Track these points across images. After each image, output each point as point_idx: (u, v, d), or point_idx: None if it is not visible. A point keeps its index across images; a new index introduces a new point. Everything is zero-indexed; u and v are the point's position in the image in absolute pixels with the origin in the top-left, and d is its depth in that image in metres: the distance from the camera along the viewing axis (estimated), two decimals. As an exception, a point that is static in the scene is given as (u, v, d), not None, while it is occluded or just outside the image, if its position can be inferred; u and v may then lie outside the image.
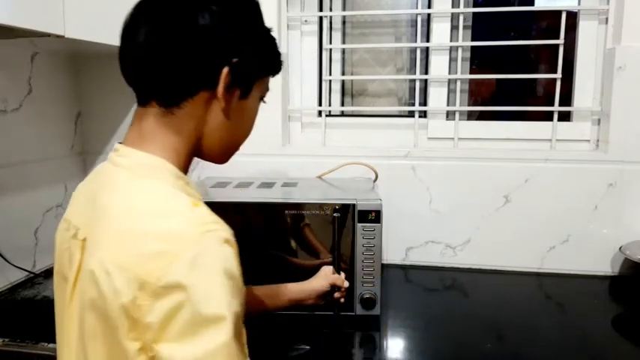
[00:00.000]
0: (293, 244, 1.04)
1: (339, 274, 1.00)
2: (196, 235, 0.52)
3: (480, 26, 1.43)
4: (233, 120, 0.65)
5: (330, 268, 0.99)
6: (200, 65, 0.59)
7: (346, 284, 0.99)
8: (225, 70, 0.60)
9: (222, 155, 0.70)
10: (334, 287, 0.97)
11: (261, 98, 0.70)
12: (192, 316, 0.49)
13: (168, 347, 0.49)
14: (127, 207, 0.56)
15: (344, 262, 1.02)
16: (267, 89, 0.71)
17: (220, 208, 1.01)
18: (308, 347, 0.95)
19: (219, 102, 0.62)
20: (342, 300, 0.99)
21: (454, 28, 1.42)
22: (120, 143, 0.63)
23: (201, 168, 1.41)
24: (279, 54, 0.70)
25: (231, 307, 0.50)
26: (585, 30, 1.34)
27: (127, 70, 0.62)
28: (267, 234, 1.04)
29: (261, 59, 0.66)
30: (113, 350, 0.53)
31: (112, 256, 0.52)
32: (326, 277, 0.97)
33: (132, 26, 0.60)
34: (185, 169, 0.64)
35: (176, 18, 0.58)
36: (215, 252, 0.52)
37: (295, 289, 0.95)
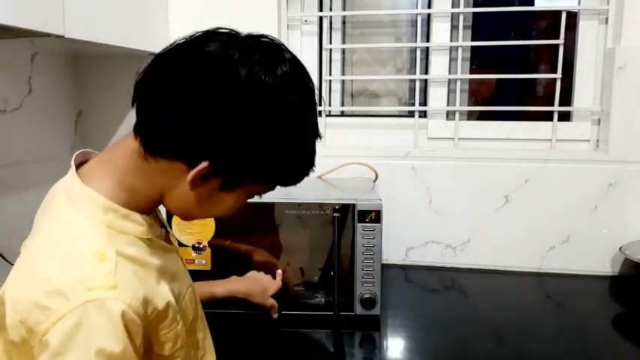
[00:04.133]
0: (292, 244, 1.04)
1: (337, 279, 1.00)
2: (80, 301, 0.49)
3: (480, 26, 1.43)
4: (203, 201, 0.59)
5: (270, 292, 0.98)
6: (184, 141, 0.55)
7: (275, 316, 0.98)
8: (204, 164, 0.54)
9: (180, 217, 0.65)
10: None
11: (253, 195, 0.63)
12: None
13: None
14: (40, 241, 0.56)
15: (344, 262, 1.02)
16: (268, 190, 0.63)
17: (220, 208, 1.02)
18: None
19: (190, 182, 0.56)
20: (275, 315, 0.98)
21: (454, 28, 1.41)
22: (83, 151, 0.62)
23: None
24: (304, 169, 0.60)
25: None
26: (585, 30, 1.34)
27: (135, 98, 0.58)
28: (266, 234, 1.04)
29: (268, 171, 0.58)
30: None
31: (11, 290, 0.53)
32: (263, 294, 0.97)
33: (158, 65, 0.56)
34: (141, 208, 0.60)
35: (194, 85, 0.53)
36: (93, 328, 0.49)
37: (232, 290, 0.95)
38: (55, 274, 0.52)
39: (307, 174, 0.61)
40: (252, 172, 0.58)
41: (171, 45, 0.57)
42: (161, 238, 0.65)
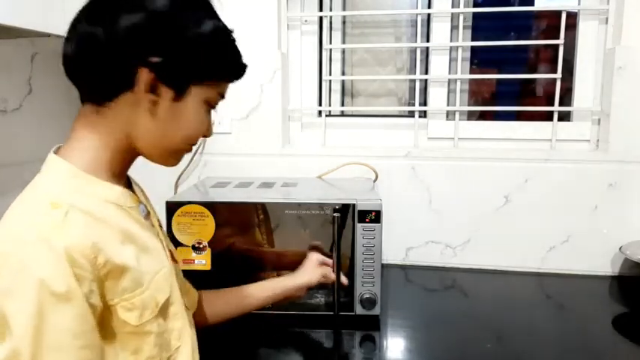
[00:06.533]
0: (292, 244, 1.04)
1: (337, 279, 1.00)
2: (27, 241, 0.52)
3: (480, 26, 1.43)
4: (164, 122, 0.63)
5: (316, 258, 0.99)
6: (112, 67, 0.59)
7: (332, 276, 0.98)
8: (143, 70, 0.59)
9: (160, 157, 0.67)
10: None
11: (209, 104, 0.67)
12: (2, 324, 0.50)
13: None
14: (11, 207, 0.58)
15: (344, 262, 1.02)
16: (218, 96, 0.67)
17: (220, 208, 1.02)
18: None
19: (143, 103, 0.61)
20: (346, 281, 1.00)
21: (454, 28, 1.41)
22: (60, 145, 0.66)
23: (202, 168, 1.41)
24: (233, 59, 0.66)
25: (36, 328, 0.50)
26: (585, 30, 1.34)
27: (65, 70, 0.63)
28: (266, 234, 1.04)
29: (198, 61, 0.62)
30: None
31: None
32: (314, 270, 0.97)
33: (70, 27, 0.62)
34: (113, 168, 0.64)
35: (97, 20, 0.59)
36: (35, 262, 0.51)
37: (287, 284, 0.95)
38: (13, 222, 0.56)
39: (236, 64, 0.67)
40: (185, 67, 0.61)
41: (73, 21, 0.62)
42: (138, 213, 0.67)
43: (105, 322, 0.57)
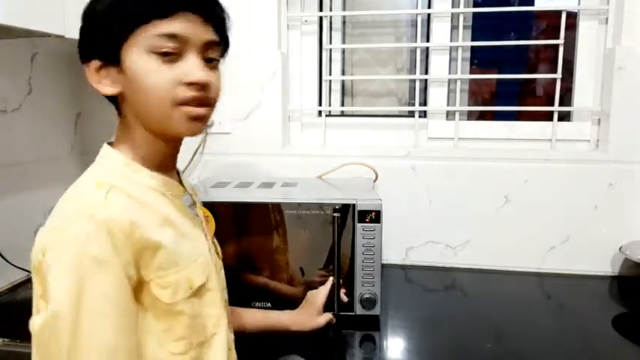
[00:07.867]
0: (292, 244, 1.04)
1: (337, 279, 1.00)
2: (74, 216, 0.57)
3: (480, 26, 1.43)
4: (132, 94, 0.63)
5: (321, 303, 0.99)
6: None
7: (333, 320, 1.00)
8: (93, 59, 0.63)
9: (167, 127, 0.63)
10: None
11: (158, 52, 0.60)
12: (44, 289, 0.55)
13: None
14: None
15: (344, 262, 1.02)
16: (160, 39, 0.59)
17: (220, 208, 1.02)
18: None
19: (99, 87, 0.65)
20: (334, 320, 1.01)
21: (454, 28, 1.42)
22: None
23: (202, 168, 1.41)
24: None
25: (76, 291, 0.54)
26: (585, 30, 1.34)
27: None
28: (266, 234, 1.04)
29: (101, 27, 0.62)
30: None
31: (40, 231, 0.59)
32: (320, 318, 0.98)
33: None
34: (153, 157, 0.67)
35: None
36: (80, 233, 0.55)
37: (289, 323, 0.96)
38: (64, 202, 0.61)
39: None
40: (99, 33, 0.63)
41: None
42: (183, 202, 0.71)
43: (140, 296, 0.60)
